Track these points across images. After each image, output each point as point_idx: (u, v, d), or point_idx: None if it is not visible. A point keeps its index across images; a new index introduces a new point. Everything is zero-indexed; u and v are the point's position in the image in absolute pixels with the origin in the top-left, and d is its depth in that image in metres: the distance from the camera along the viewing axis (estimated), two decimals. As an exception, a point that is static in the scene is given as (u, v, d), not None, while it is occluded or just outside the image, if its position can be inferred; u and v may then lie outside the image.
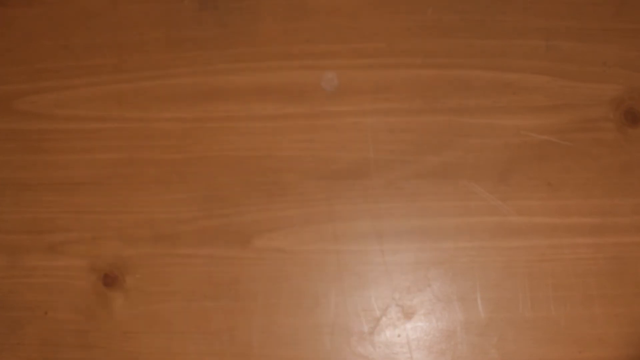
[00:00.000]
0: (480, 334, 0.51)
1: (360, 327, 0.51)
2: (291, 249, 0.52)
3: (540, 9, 0.53)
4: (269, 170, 0.53)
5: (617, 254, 0.51)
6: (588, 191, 0.52)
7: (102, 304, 0.52)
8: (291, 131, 0.53)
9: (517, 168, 0.52)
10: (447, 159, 0.52)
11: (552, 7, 0.53)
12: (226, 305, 0.52)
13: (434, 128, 0.53)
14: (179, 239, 0.53)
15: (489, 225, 0.52)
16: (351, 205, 0.52)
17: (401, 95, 0.53)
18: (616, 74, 0.53)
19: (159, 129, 0.54)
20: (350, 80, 0.53)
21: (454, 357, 0.51)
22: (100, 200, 0.53)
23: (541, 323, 0.51)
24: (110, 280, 0.52)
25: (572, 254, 0.51)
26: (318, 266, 0.52)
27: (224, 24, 0.55)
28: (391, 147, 0.53)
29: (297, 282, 0.52)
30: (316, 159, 0.53)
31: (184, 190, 0.53)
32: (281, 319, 0.52)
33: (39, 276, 0.53)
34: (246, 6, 0.55)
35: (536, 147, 0.52)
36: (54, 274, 0.53)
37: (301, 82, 0.54)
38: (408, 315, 0.51)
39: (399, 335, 0.51)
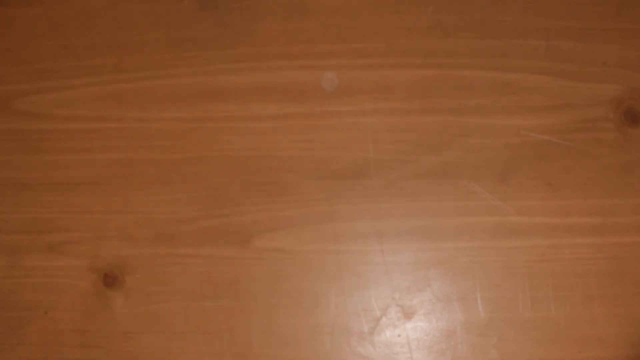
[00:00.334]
0: (480, 334, 0.51)
1: (360, 327, 0.51)
2: (291, 249, 0.52)
3: (540, 9, 0.53)
4: (269, 170, 0.53)
5: (617, 254, 0.51)
6: (588, 191, 0.52)
7: (102, 303, 0.52)
8: (291, 131, 0.53)
9: (517, 168, 0.52)
10: (447, 159, 0.52)
11: (552, 7, 0.53)
12: (226, 305, 0.52)
13: (434, 128, 0.53)
14: (179, 239, 0.53)
15: (489, 225, 0.52)
16: (351, 205, 0.52)
17: (401, 95, 0.53)
18: (616, 74, 0.53)
19: (159, 129, 0.54)
20: (350, 80, 0.53)
21: (454, 357, 0.51)
22: (100, 200, 0.53)
23: (541, 323, 0.51)
24: (110, 280, 0.52)
25: (572, 254, 0.51)
26: (318, 266, 0.52)
27: (224, 24, 0.55)
28: (391, 147, 0.53)
29: (297, 282, 0.52)
30: (316, 159, 0.53)
31: (184, 190, 0.53)
32: (281, 319, 0.52)
33: (39, 276, 0.53)
34: (246, 6, 0.55)
35: (536, 147, 0.52)
36: (54, 274, 0.53)
37: (301, 82, 0.54)
38: (408, 315, 0.51)
39: (399, 335, 0.51)
